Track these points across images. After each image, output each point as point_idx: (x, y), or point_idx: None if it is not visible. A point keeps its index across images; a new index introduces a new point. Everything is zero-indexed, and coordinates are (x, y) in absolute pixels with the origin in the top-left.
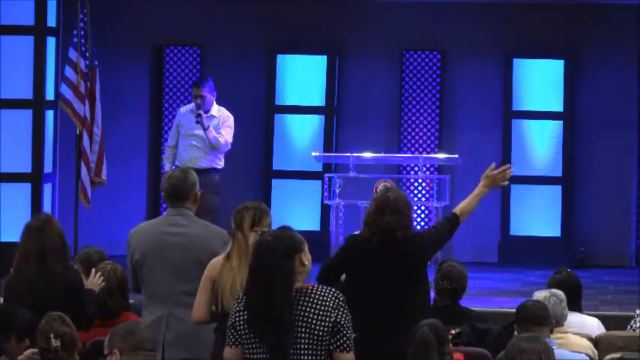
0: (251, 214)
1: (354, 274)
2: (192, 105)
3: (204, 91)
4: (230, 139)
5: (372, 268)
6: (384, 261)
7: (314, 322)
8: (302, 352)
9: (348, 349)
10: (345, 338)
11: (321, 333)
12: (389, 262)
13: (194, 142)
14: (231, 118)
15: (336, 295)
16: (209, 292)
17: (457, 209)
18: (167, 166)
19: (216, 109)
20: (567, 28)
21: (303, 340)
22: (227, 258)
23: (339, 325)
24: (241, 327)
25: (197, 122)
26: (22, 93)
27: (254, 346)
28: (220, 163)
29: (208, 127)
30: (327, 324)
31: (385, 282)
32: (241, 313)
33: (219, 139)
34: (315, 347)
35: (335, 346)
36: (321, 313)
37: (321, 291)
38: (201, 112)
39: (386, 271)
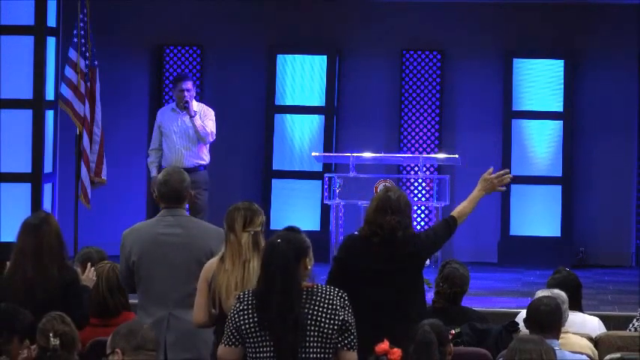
0: (242, 214)
1: (352, 272)
2: (171, 105)
3: (190, 84)
4: (214, 131)
5: (370, 266)
6: (383, 260)
7: (323, 320)
8: (310, 350)
9: (354, 347)
10: (352, 337)
11: (330, 331)
12: (388, 261)
13: (178, 138)
14: (212, 112)
15: (340, 294)
16: (206, 294)
17: (455, 212)
18: (154, 171)
19: (195, 105)
20: (567, 28)
21: (311, 339)
22: (221, 259)
23: (347, 324)
24: (248, 327)
25: (184, 108)
26: (22, 93)
27: (261, 344)
28: (206, 159)
29: (195, 113)
30: (335, 322)
31: (383, 281)
32: (246, 313)
33: (206, 128)
34: (323, 345)
35: (343, 344)
36: (329, 311)
37: (326, 290)
38: (187, 99)
39: (384, 270)
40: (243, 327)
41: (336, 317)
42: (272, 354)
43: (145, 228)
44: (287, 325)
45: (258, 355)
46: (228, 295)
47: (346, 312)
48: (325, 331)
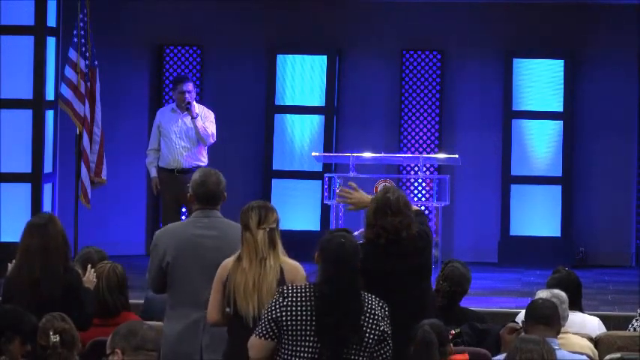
0: (256, 212)
1: (368, 279)
2: (171, 105)
3: (191, 85)
4: (215, 132)
5: (382, 269)
6: (394, 261)
7: (365, 329)
8: (349, 357)
9: (388, 358)
10: (388, 347)
11: (370, 341)
12: (399, 261)
13: (178, 139)
14: (212, 114)
15: (382, 304)
16: (221, 293)
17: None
18: (153, 172)
19: (196, 106)
20: (567, 28)
21: (352, 346)
22: (238, 259)
23: (385, 335)
24: (290, 322)
25: (186, 110)
26: (22, 93)
27: (301, 342)
28: (204, 160)
29: (197, 115)
30: (376, 332)
31: (397, 282)
32: (291, 309)
33: (207, 129)
34: (361, 354)
35: (378, 354)
36: (372, 321)
37: (370, 299)
38: (189, 100)
39: (397, 272)
40: (284, 322)
41: (377, 328)
42: (312, 354)
43: (179, 229)
44: (342, 327)
45: (296, 352)
46: (245, 295)
47: (386, 323)
48: (366, 340)
